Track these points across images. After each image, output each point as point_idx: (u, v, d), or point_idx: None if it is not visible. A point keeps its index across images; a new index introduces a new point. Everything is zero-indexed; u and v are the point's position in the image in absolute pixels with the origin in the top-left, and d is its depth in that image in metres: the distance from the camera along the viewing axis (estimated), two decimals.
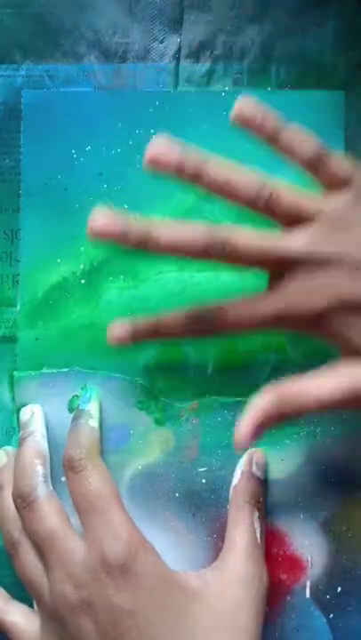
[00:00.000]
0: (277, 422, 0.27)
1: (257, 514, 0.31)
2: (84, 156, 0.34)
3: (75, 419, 0.32)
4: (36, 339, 0.33)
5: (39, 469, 0.30)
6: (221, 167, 0.27)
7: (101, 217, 0.27)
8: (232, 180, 0.27)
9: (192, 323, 0.28)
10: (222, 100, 0.33)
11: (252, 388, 0.32)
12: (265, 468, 0.32)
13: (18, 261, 0.34)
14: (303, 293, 0.27)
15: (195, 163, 0.27)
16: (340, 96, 0.33)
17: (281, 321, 0.28)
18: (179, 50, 0.34)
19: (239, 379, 0.33)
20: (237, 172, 0.28)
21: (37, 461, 0.31)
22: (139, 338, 0.28)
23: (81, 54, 0.34)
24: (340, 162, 0.28)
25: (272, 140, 0.28)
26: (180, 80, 0.34)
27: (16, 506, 0.30)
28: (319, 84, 0.34)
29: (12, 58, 0.34)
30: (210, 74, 0.34)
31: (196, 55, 0.34)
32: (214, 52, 0.34)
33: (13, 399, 0.33)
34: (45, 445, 0.32)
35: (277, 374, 0.33)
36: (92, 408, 0.32)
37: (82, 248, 0.33)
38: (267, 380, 0.33)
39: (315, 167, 0.28)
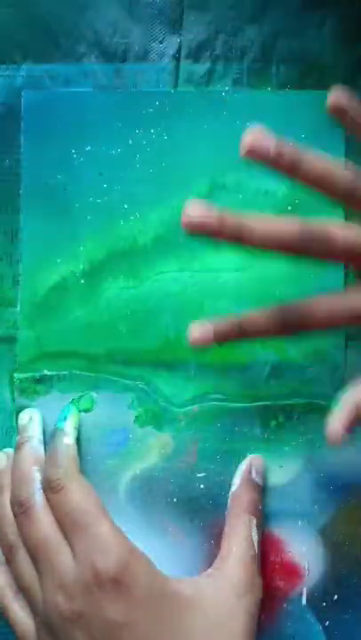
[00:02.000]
0: None
1: (254, 522, 0.31)
2: (84, 156, 0.34)
3: (51, 437, 0.32)
4: (36, 339, 0.33)
5: (36, 476, 0.30)
6: (315, 162, 0.26)
7: (196, 210, 0.26)
8: (326, 174, 0.26)
9: (280, 320, 0.27)
10: (222, 99, 0.33)
11: (251, 387, 0.33)
12: (264, 475, 0.32)
13: (18, 261, 0.34)
14: None
15: (291, 156, 0.26)
16: None
17: None
18: (179, 50, 0.34)
19: (239, 378, 0.33)
20: (331, 166, 0.27)
21: (35, 468, 0.30)
22: (222, 338, 0.27)
23: (81, 54, 0.34)
24: None
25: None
26: (180, 80, 0.34)
27: (13, 512, 0.30)
28: (319, 84, 0.34)
29: (12, 58, 0.34)
30: (210, 74, 0.34)
31: (196, 55, 0.34)
32: (214, 52, 0.34)
33: (13, 399, 0.33)
34: (42, 451, 0.32)
35: (277, 373, 0.33)
36: (67, 425, 0.32)
37: (82, 248, 0.33)
38: (267, 378, 0.33)
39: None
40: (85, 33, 0.34)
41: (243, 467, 0.32)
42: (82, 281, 0.33)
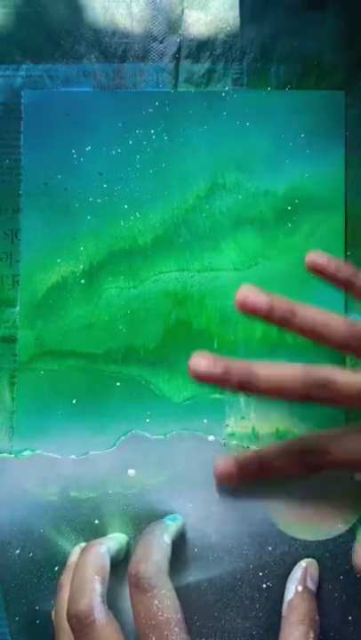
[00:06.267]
0: None
1: (312, 634, 0.29)
2: (84, 156, 0.34)
3: (151, 529, 0.30)
4: (36, 339, 0.33)
5: (97, 587, 0.28)
6: (309, 313, 0.28)
7: (203, 361, 0.28)
8: (321, 324, 0.28)
9: (298, 461, 0.30)
10: (222, 99, 0.33)
11: None
12: (318, 581, 0.31)
13: (18, 261, 0.34)
14: None
15: (283, 309, 0.28)
16: (341, 96, 0.33)
17: None
18: (179, 50, 0.34)
19: None
20: (324, 316, 0.28)
21: (97, 577, 0.28)
22: (243, 478, 0.31)
23: (81, 54, 0.34)
24: None
25: (348, 285, 0.29)
26: (180, 80, 0.34)
27: (70, 625, 0.28)
28: (319, 84, 0.34)
29: (12, 58, 0.34)
30: (210, 74, 0.34)
31: (196, 55, 0.34)
32: (214, 52, 0.34)
33: (13, 399, 0.33)
34: (108, 561, 0.29)
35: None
36: (174, 526, 0.31)
37: (82, 248, 0.33)
38: None
39: None
40: (85, 33, 0.34)
41: (298, 573, 0.31)
42: (82, 281, 0.33)
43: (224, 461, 0.31)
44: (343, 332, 0.28)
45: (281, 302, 0.28)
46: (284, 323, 0.28)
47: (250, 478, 0.31)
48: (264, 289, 0.28)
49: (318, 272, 0.29)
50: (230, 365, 0.28)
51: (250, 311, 0.28)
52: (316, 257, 0.29)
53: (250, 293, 0.28)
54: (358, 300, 0.29)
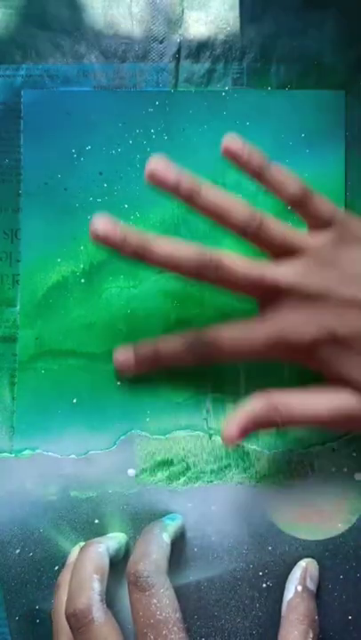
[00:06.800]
0: (264, 428, 0.28)
1: (311, 634, 0.29)
2: (84, 156, 0.34)
3: (150, 528, 0.30)
4: (36, 338, 0.33)
5: (96, 586, 0.28)
6: (214, 193, 0.29)
7: (103, 222, 0.29)
8: (224, 206, 0.29)
9: (190, 348, 0.30)
10: (222, 99, 0.34)
11: (249, 386, 0.33)
12: (318, 581, 0.31)
13: (18, 261, 0.34)
14: (292, 323, 0.29)
15: (190, 185, 0.29)
16: (341, 96, 0.34)
17: (275, 348, 0.29)
18: (179, 50, 0.34)
19: (237, 377, 0.33)
20: (229, 199, 0.29)
21: (96, 576, 0.28)
22: (141, 366, 0.31)
23: (81, 54, 0.34)
24: (322, 203, 0.29)
25: (258, 175, 0.29)
26: (180, 80, 0.34)
27: (69, 624, 0.28)
28: (319, 84, 0.34)
29: (12, 58, 0.34)
30: (210, 74, 0.34)
31: (195, 55, 0.34)
32: (214, 52, 0.34)
33: (13, 399, 0.33)
34: (107, 560, 0.29)
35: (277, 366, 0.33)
36: (173, 526, 0.31)
37: (82, 248, 0.33)
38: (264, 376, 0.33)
39: (299, 205, 0.29)
40: (85, 33, 0.34)
41: (298, 573, 0.31)
42: (82, 280, 0.33)
43: (122, 353, 0.32)
44: (243, 218, 0.29)
45: (188, 179, 0.28)
46: (189, 199, 0.29)
47: (147, 368, 0.32)
48: (174, 163, 0.29)
49: (232, 157, 0.29)
50: (129, 232, 0.28)
51: (158, 183, 0.29)
52: (232, 143, 0.29)
53: (159, 165, 0.28)
54: (266, 190, 0.29)
